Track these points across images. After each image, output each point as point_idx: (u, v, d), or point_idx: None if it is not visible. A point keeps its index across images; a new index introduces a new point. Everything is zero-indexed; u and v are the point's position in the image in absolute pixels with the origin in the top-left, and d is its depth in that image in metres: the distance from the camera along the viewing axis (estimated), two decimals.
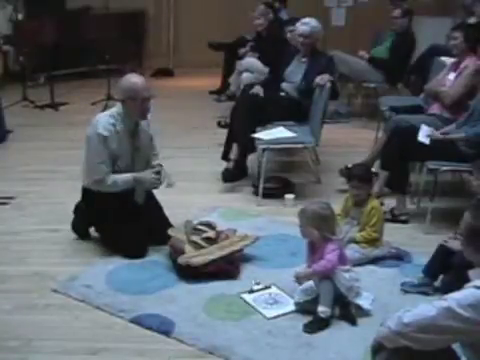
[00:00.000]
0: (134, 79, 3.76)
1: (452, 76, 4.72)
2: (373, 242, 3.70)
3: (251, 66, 6.69)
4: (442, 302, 2.02)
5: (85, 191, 3.91)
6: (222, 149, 5.17)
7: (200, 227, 3.73)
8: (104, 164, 3.74)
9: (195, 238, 3.64)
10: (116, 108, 3.81)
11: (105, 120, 3.75)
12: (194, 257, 3.49)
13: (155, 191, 4.05)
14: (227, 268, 3.52)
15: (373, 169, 3.91)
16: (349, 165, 4.74)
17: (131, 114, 3.78)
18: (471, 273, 2.31)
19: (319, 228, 3.13)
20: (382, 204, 4.20)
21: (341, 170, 4.90)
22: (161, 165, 3.98)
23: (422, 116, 4.72)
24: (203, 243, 3.62)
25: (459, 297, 2.00)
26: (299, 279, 3.24)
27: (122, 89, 3.76)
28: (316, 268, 3.10)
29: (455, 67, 4.75)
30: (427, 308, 2.05)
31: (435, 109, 4.72)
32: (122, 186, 3.79)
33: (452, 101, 4.58)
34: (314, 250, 3.22)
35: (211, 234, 3.66)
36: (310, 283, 3.18)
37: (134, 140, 3.86)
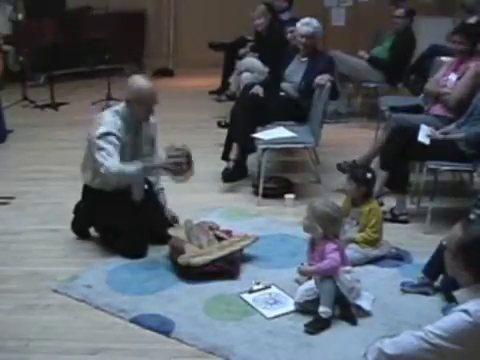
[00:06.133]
0: (141, 83, 3.71)
1: (453, 76, 4.68)
2: (373, 242, 3.70)
3: (251, 66, 6.68)
4: (423, 334, 1.99)
5: (85, 190, 3.91)
6: (222, 149, 5.16)
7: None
8: (113, 157, 3.61)
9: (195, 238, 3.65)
10: (119, 106, 3.77)
11: (109, 119, 3.69)
12: (194, 257, 3.49)
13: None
14: (227, 268, 3.52)
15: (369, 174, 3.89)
16: (348, 160, 4.86)
17: (134, 114, 3.76)
18: (457, 295, 2.16)
19: (324, 227, 3.15)
20: (382, 204, 4.21)
21: (339, 165, 4.92)
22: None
23: (422, 116, 4.71)
24: (203, 243, 3.62)
25: (442, 327, 1.96)
26: (302, 274, 3.25)
27: (129, 90, 3.72)
28: (321, 266, 3.10)
29: (455, 68, 4.73)
30: (409, 340, 2.02)
31: (437, 110, 4.69)
32: (130, 173, 3.63)
33: (456, 102, 4.53)
34: (313, 248, 3.23)
35: (211, 234, 3.66)
36: (311, 283, 3.18)
37: (136, 136, 3.82)
